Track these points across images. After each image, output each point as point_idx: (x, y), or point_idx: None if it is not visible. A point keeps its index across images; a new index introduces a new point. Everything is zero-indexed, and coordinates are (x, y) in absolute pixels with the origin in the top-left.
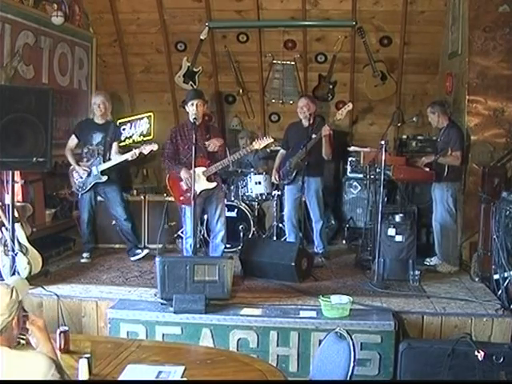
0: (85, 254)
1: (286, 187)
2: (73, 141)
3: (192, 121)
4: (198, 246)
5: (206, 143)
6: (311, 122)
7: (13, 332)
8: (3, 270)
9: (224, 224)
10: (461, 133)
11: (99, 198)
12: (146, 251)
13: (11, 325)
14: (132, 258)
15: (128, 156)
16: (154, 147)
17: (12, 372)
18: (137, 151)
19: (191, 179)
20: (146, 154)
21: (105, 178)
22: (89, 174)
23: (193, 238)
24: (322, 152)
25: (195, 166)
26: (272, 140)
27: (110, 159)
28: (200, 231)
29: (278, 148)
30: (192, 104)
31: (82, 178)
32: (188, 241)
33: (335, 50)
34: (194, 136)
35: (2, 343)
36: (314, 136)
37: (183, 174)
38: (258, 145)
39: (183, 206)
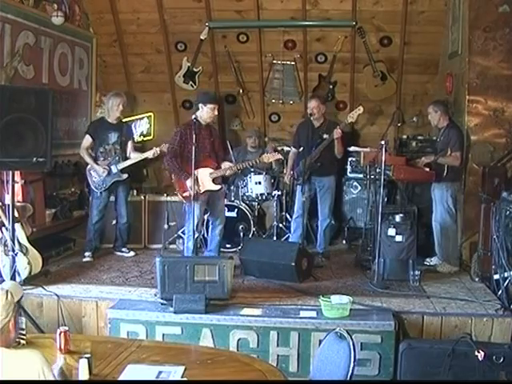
0: (87, 253)
1: (297, 186)
2: (88, 140)
3: (204, 122)
4: (198, 246)
5: (223, 166)
6: (321, 122)
7: (10, 335)
8: (3, 270)
9: (224, 219)
10: (461, 133)
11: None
12: (132, 253)
13: (8, 327)
14: (117, 253)
15: (149, 154)
16: None
17: (7, 368)
18: (158, 149)
19: (195, 186)
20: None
21: (125, 176)
22: (108, 173)
23: (193, 237)
24: (334, 151)
25: (198, 167)
26: (281, 157)
27: (127, 158)
28: (200, 231)
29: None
30: (213, 108)
31: (100, 176)
32: (190, 238)
33: (335, 49)
34: (194, 136)
35: None
36: (325, 136)
37: (189, 183)
38: (267, 158)
39: (187, 202)
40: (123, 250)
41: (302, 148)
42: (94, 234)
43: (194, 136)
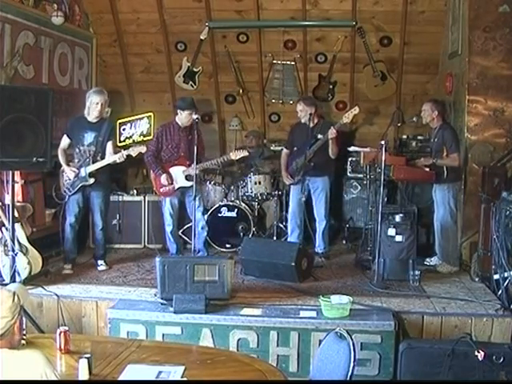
0: (67, 266)
1: (291, 186)
2: (65, 141)
3: (183, 125)
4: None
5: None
6: (315, 122)
7: (14, 337)
8: (3, 270)
9: (203, 213)
10: (455, 134)
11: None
12: (102, 268)
13: (13, 329)
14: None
15: (115, 158)
16: (143, 149)
17: (10, 369)
18: (124, 153)
19: (168, 185)
20: (134, 155)
21: (92, 181)
22: (76, 176)
23: (172, 226)
24: (328, 152)
25: (172, 166)
26: (247, 154)
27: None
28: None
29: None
30: (190, 113)
31: (70, 179)
32: (167, 228)
33: (335, 49)
34: (195, 135)
35: (4, 346)
36: (319, 136)
37: (163, 179)
38: (235, 155)
39: (162, 197)
40: (97, 261)
41: (295, 148)
42: (72, 243)
43: (195, 135)
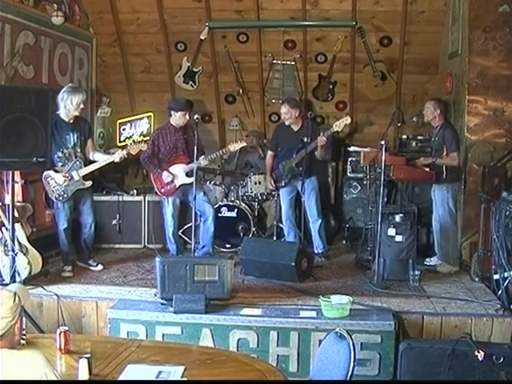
0: (67, 268)
1: (280, 190)
2: None
3: (177, 125)
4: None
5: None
6: (300, 125)
7: (15, 337)
8: (3, 270)
9: (212, 207)
10: (455, 133)
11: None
12: (100, 267)
13: (13, 329)
14: (81, 264)
15: (115, 157)
16: (143, 147)
17: (10, 369)
18: (124, 152)
19: (170, 180)
20: (134, 154)
21: (89, 184)
22: (69, 181)
23: (173, 227)
24: (315, 154)
25: (172, 165)
26: (245, 144)
27: (87, 160)
28: (176, 227)
29: None
30: (184, 114)
31: (60, 184)
32: (169, 230)
33: (335, 49)
34: (195, 134)
35: (4, 347)
36: (306, 140)
37: (165, 176)
38: (233, 147)
39: (164, 197)
40: (90, 262)
41: (279, 150)
42: (69, 246)
43: (196, 136)
